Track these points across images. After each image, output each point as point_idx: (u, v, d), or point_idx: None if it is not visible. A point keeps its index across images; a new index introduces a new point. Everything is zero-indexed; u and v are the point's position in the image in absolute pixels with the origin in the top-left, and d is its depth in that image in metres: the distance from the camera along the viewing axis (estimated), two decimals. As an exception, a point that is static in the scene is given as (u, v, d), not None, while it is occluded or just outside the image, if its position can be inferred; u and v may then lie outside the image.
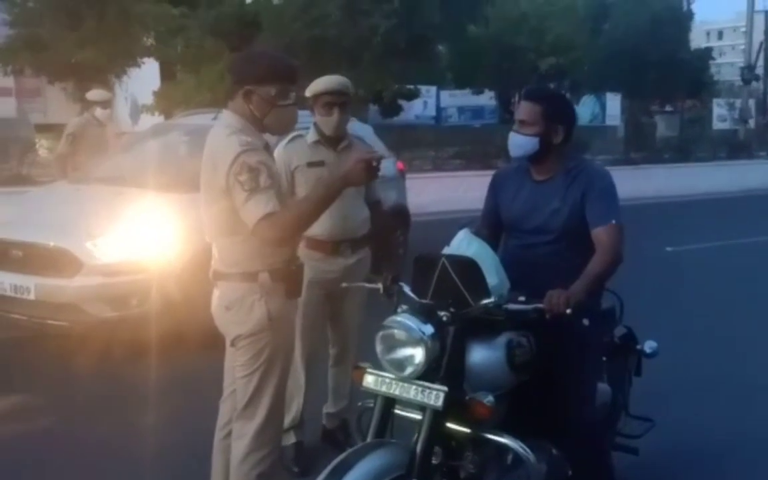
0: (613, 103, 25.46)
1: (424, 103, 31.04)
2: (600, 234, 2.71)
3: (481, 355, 2.51)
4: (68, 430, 4.12)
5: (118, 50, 12.54)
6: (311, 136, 3.60)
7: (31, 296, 5.12)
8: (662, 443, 3.70)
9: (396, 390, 2.40)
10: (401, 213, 7.74)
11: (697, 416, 4.34)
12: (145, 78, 15.00)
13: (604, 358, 3.20)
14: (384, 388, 2.43)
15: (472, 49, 21.12)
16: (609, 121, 25.65)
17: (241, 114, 2.59)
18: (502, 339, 2.55)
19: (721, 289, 7.66)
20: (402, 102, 20.71)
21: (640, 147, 22.10)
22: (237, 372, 2.65)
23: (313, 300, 3.52)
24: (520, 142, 2.84)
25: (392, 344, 2.38)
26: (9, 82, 15.08)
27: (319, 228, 3.52)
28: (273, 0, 17.24)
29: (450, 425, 2.44)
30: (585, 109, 34.52)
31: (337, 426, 3.85)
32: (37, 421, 4.27)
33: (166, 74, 15.81)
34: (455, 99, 25.46)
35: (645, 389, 3.54)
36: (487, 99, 23.40)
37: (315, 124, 3.62)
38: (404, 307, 2.54)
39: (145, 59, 14.03)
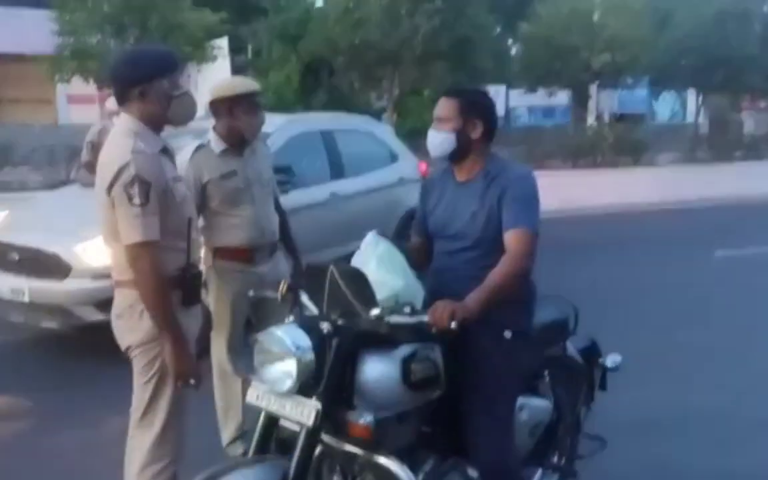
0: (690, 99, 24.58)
1: (493, 104, 30.88)
2: (508, 239, 2.52)
3: (373, 370, 2.35)
4: (47, 434, 4.15)
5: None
6: (217, 144, 3.47)
7: (26, 299, 5.23)
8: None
9: (273, 406, 2.29)
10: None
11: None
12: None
13: (546, 372, 3.01)
14: (263, 403, 2.32)
15: (524, 48, 20.72)
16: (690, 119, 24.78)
17: (139, 116, 2.53)
18: (399, 353, 2.39)
19: (753, 297, 7.20)
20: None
21: (723, 145, 21.03)
22: (135, 381, 2.60)
23: (239, 310, 3.46)
24: (437, 139, 2.69)
25: (266, 358, 2.27)
26: (92, 89, 15.56)
27: (237, 237, 3.47)
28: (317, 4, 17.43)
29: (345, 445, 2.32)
30: (664, 105, 33.45)
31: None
32: (17, 424, 4.34)
33: None
34: (525, 98, 25.21)
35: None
36: (560, 98, 23.07)
37: (215, 130, 3.50)
38: (291, 317, 2.43)
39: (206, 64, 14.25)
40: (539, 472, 3.12)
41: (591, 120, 21.47)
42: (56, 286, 5.14)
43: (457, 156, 2.68)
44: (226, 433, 3.64)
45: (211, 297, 3.53)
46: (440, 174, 2.88)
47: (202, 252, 3.21)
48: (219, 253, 3.49)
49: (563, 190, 14.17)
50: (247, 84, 3.51)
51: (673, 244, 10.26)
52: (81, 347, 5.34)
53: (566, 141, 16.07)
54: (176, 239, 2.53)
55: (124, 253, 2.48)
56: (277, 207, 3.75)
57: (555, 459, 3.14)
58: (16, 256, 5.35)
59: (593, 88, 21.74)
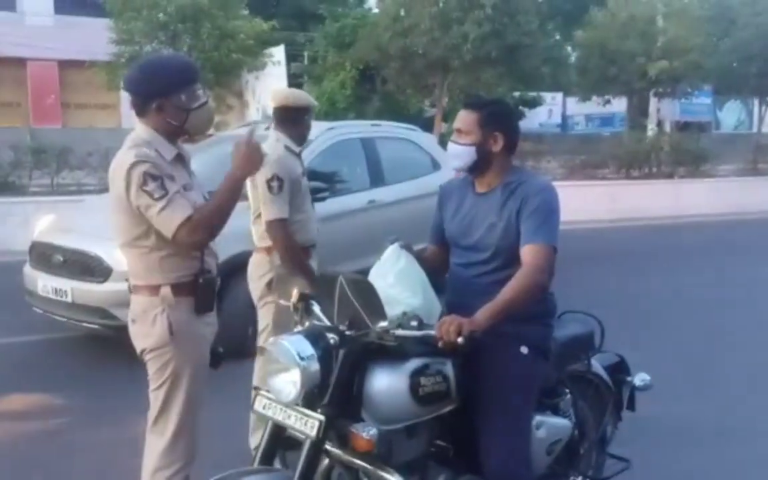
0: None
1: (549, 111, 30.55)
2: (524, 253, 2.46)
3: (380, 382, 2.32)
4: (78, 432, 4.25)
5: (212, 65, 13.09)
6: (295, 147, 3.63)
7: (69, 299, 5.38)
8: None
9: (279, 415, 2.28)
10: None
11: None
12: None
13: (567, 390, 2.92)
14: (270, 413, 2.31)
15: (579, 55, 20.38)
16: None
17: (155, 127, 2.55)
18: (408, 366, 2.35)
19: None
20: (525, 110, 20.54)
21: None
22: (150, 386, 2.62)
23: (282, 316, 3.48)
24: (457, 152, 2.65)
25: (273, 367, 2.26)
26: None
27: (303, 234, 3.59)
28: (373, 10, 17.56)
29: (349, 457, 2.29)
30: (730, 114, 32.48)
31: None
32: (49, 421, 4.46)
33: (293, 85, 16.45)
34: (584, 107, 24.88)
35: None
36: (619, 106, 22.67)
37: (286, 134, 3.60)
38: (299, 327, 2.41)
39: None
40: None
41: (651, 128, 20.96)
42: (97, 288, 5.26)
43: (477, 169, 2.64)
44: (256, 435, 3.63)
45: (274, 295, 3.51)
46: (459, 182, 2.83)
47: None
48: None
49: (616, 200, 13.89)
50: (306, 96, 3.73)
51: (727, 256, 9.94)
52: (118, 348, 5.43)
53: (621, 150, 15.65)
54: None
55: (137, 259, 2.52)
56: None
57: (577, 479, 3.03)
58: (60, 258, 5.51)
59: (652, 96, 21.24)
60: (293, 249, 3.47)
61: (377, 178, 6.81)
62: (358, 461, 2.27)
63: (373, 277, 2.45)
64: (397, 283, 2.45)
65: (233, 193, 2.52)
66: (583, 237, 10.87)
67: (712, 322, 6.59)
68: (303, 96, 3.73)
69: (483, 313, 2.29)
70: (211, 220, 2.48)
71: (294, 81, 16.96)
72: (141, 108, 2.55)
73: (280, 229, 3.46)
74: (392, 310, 2.33)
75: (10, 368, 5.28)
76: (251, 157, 2.52)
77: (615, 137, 20.55)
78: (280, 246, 3.47)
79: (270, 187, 3.43)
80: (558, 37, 27.89)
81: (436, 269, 2.71)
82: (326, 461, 2.36)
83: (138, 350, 2.61)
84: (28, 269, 5.78)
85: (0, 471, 3.79)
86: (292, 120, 3.59)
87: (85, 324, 5.43)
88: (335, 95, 21.45)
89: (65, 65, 22.49)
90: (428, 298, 2.50)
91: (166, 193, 2.41)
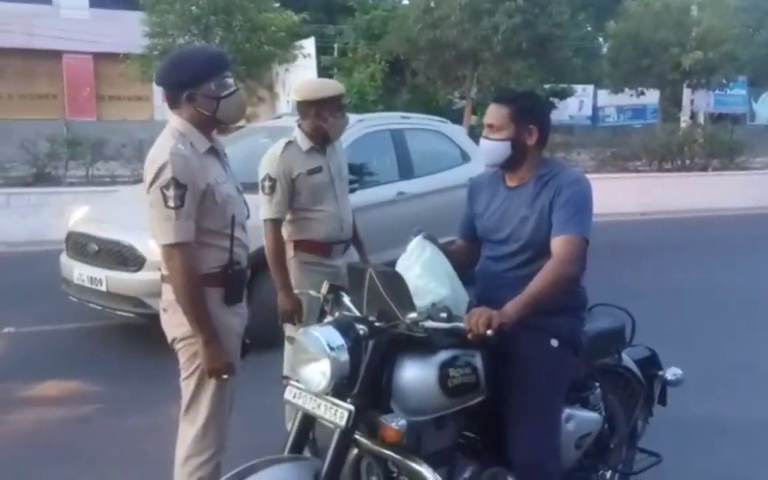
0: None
1: (580, 103, 30.21)
2: (554, 244, 2.45)
3: (410, 374, 2.33)
4: (110, 419, 4.35)
5: (243, 57, 13.18)
6: (304, 142, 3.54)
7: (103, 288, 5.49)
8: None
9: (309, 405, 2.30)
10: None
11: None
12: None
13: (597, 384, 2.90)
14: (300, 402, 2.33)
15: (611, 46, 20.12)
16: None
17: (188, 118, 2.58)
18: (437, 358, 2.35)
19: None
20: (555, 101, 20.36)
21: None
22: (181, 375, 2.66)
23: (314, 301, 3.48)
24: (490, 148, 2.64)
25: (303, 357, 2.28)
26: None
27: (320, 231, 3.53)
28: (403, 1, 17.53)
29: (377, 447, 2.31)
30: (766, 106, 31.70)
31: None
32: (82, 407, 4.56)
33: (323, 77, 16.51)
34: (615, 98, 24.57)
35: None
36: (651, 98, 22.34)
37: (301, 128, 3.57)
38: (329, 318, 2.43)
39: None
40: (588, 485, 3.01)
41: (684, 120, 20.62)
42: (131, 277, 5.35)
43: (511, 164, 2.62)
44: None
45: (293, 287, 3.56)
46: (489, 176, 2.82)
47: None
48: (300, 245, 3.55)
49: (647, 193, 13.71)
50: (333, 87, 3.58)
51: (762, 250, 9.77)
52: (151, 336, 5.52)
53: (653, 142, 15.42)
54: (218, 238, 2.57)
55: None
56: None
57: (607, 473, 3.02)
58: (95, 247, 5.62)
59: (686, 88, 20.89)
60: (275, 252, 3.46)
61: (406, 170, 6.81)
62: (387, 451, 2.28)
63: (400, 270, 2.46)
64: (424, 273, 2.45)
65: (193, 321, 2.51)
66: (615, 230, 10.76)
67: (746, 316, 6.49)
68: (308, 89, 3.61)
69: (513, 306, 2.28)
70: (180, 280, 2.48)
71: (324, 73, 17.02)
72: (173, 100, 2.58)
73: (269, 229, 3.46)
74: (421, 301, 2.33)
75: (46, 355, 5.41)
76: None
77: (647, 129, 20.27)
78: (267, 246, 3.47)
79: (262, 187, 3.47)
80: (589, 28, 27.53)
81: (463, 263, 2.69)
82: (355, 451, 2.38)
83: (169, 339, 2.65)
84: (64, 258, 5.90)
85: (33, 454, 3.88)
86: (302, 114, 3.55)
87: (118, 312, 5.52)
88: (365, 87, 21.48)
89: (100, 58, 22.88)
90: (455, 288, 2.49)
91: (181, 205, 2.44)
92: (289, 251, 3.55)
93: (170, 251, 2.46)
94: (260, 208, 3.47)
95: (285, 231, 3.54)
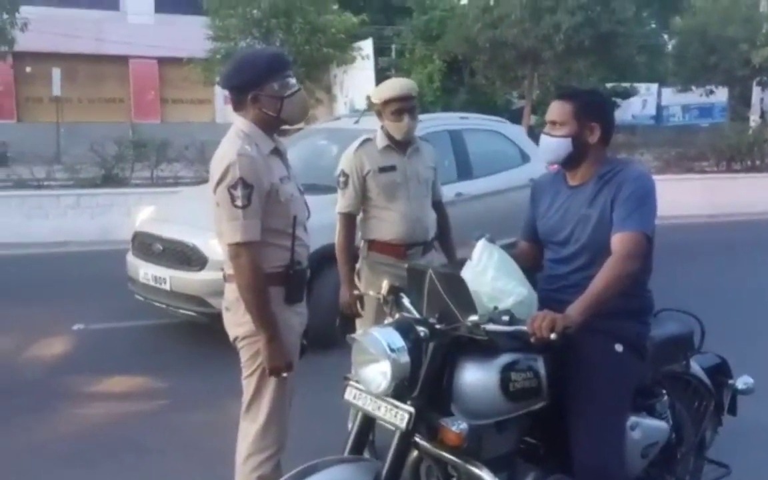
0: None
1: (643, 102, 29.49)
2: (614, 242, 2.39)
3: (471, 377, 2.31)
4: (174, 414, 4.46)
5: (303, 59, 13.34)
6: (381, 140, 3.58)
7: (167, 287, 5.62)
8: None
9: (369, 406, 2.29)
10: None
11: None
12: (363, 82, 15.86)
13: (664, 391, 2.81)
14: (360, 403, 2.33)
15: (677, 44, 19.56)
16: None
17: (253, 119, 2.62)
18: (499, 361, 2.32)
19: None
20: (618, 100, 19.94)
21: None
22: (242, 373, 2.70)
23: (376, 308, 3.49)
24: (551, 145, 2.59)
25: (363, 358, 2.28)
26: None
27: (391, 231, 3.55)
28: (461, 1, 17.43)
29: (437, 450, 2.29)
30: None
31: None
32: (148, 403, 4.69)
33: (380, 79, 16.62)
34: (680, 97, 23.90)
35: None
36: (719, 96, 21.64)
37: (382, 128, 3.60)
38: (389, 319, 2.42)
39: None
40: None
41: (754, 119, 19.86)
42: (194, 276, 5.47)
43: (572, 162, 2.57)
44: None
45: (362, 287, 3.59)
46: (552, 177, 2.78)
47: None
48: (373, 245, 3.59)
49: (715, 194, 13.26)
50: (394, 88, 3.55)
51: None
52: (214, 334, 5.63)
53: (722, 142, 14.89)
54: (280, 237, 2.60)
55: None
56: (439, 206, 3.81)
57: (673, 483, 2.92)
58: (160, 247, 5.76)
59: (755, 86, 20.14)
60: (343, 246, 3.56)
61: (465, 171, 6.75)
62: (447, 455, 2.26)
63: (470, 278, 2.42)
64: (499, 275, 2.43)
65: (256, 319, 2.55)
66: (682, 232, 10.44)
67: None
68: (375, 90, 3.67)
69: (576, 308, 2.23)
70: (246, 278, 2.51)
71: (382, 75, 17.07)
72: (237, 102, 2.62)
73: (340, 222, 3.56)
74: (503, 303, 2.32)
75: (114, 351, 5.57)
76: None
77: (715, 129, 19.62)
78: (337, 239, 3.57)
79: (337, 182, 3.57)
80: (654, 24, 26.82)
81: (526, 266, 2.64)
82: (415, 453, 2.37)
83: (231, 338, 2.69)
84: (130, 257, 6.07)
85: (101, 446, 4.00)
86: (377, 114, 3.60)
87: (182, 311, 5.63)
88: (423, 88, 21.45)
89: (164, 62, 23.51)
90: (529, 286, 2.47)
91: (248, 205, 2.48)
92: (364, 251, 3.59)
93: (237, 250, 2.50)
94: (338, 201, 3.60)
95: (359, 230, 3.60)
